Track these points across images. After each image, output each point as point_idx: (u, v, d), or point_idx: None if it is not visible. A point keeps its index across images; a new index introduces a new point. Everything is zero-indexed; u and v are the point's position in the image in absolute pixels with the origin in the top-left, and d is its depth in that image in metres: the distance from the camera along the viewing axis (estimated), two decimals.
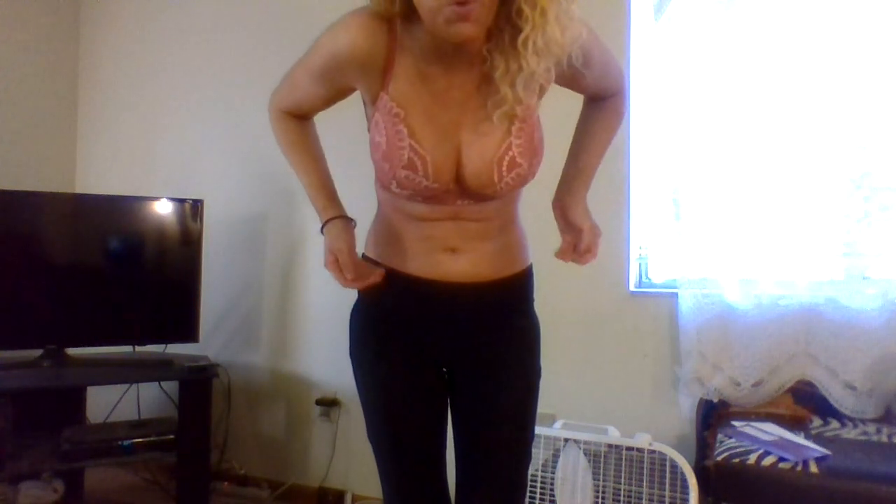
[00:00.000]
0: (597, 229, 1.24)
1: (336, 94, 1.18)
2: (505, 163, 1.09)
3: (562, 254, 1.25)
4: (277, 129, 1.26)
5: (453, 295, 1.17)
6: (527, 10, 0.97)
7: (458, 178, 1.10)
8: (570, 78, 1.15)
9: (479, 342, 1.22)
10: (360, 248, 1.28)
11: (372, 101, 1.11)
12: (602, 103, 1.28)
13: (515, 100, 1.04)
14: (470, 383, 1.24)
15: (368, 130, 1.14)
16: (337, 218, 1.19)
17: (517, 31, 0.99)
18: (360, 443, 2.63)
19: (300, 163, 1.25)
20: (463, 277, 1.16)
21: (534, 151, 1.11)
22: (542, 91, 1.11)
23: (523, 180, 1.13)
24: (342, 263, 1.14)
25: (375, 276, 1.17)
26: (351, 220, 1.21)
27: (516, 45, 1.00)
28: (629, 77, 2.28)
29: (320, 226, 1.20)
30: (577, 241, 1.23)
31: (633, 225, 2.33)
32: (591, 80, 1.20)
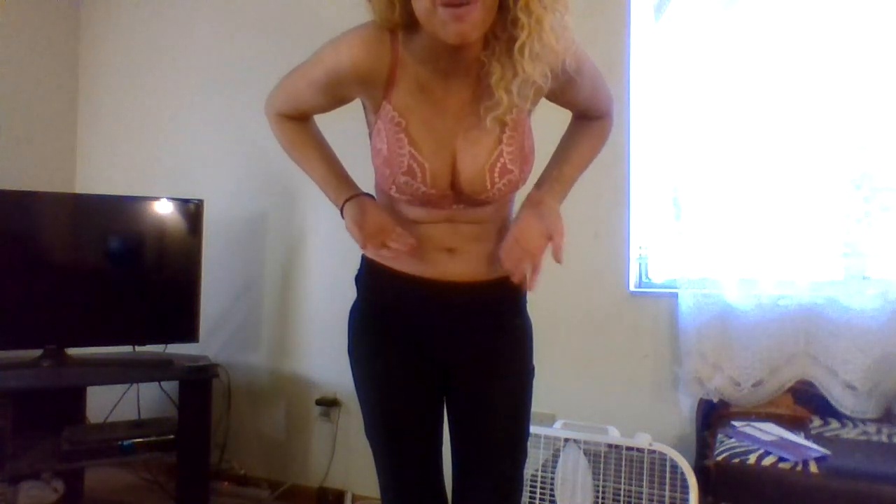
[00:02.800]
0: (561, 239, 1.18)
1: (337, 103, 1.20)
2: (497, 169, 1.12)
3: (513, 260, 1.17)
4: (278, 132, 1.28)
5: (449, 293, 1.20)
6: (523, 18, 1.00)
7: (454, 185, 1.13)
8: (562, 89, 1.17)
9: (474, 340, 1.24)
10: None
11: (374, 110, 1.14)
12: (589, 122, 1.31)
13: (510, 104, 1.07)
14: (465, 380, 1.26)
15: (370, 136, 1.17)
16: (348, 200, 1.21)
17: (513, 39, 1.02)
18: (360, 443, 2.63)
19: (305, 159, 1.27)
20: (459, 277, 1.19)
21: (524, 158, 1.15)
22: (536, 96, 1.13)
23: (515, 186, 1.16)
24: (355, 237, 1.17)
25: (401, 242, 1.16)
26: (365, 194, 1.22)
27: (512, 52, 1.03)
28: (629, 79, 2.29)
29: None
30: (544, 244, 1.18)
31: (633, 225, 2.33)
32: (582, 95, 1.23)
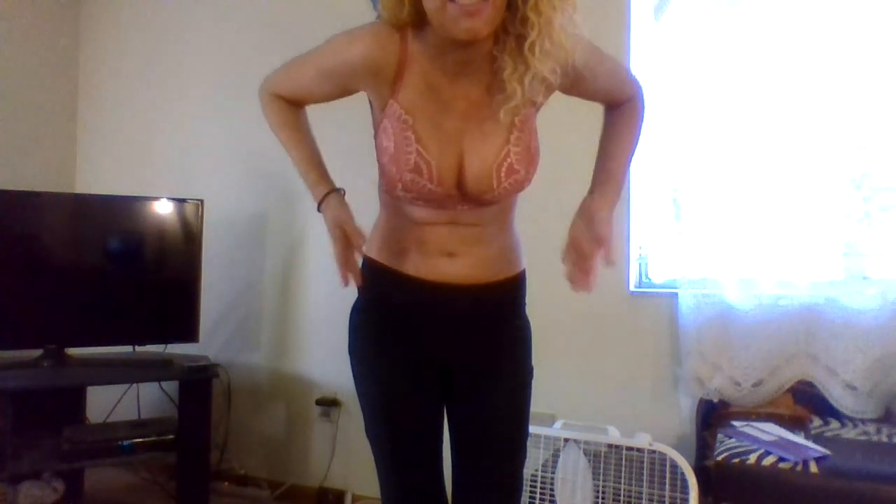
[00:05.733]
0: (610, 244, 1.14)
1: (340, 94, 1.20)
2: (503, 169, 1.12)
3: (573, 265, 1.14)
4: (269, 108, 1.27)
5: (450, 296, 1.20)
6: (532, 17, 1.01)
7: (460, 184, 1.13)
8: (574, 84, 1.16)
9: (474, 341, 1.24)
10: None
11: (381, 108, 1.14)
12: (620, 108, 1.30)
13: (523, 96, 1.07)
14: (465, 381, 1.26)
15: (375, 136, 1.17)
16: (332, 192, 1.19)
17: (523, 36, 1.03)
18: (360, 443, 2.62)
19: (290, 139, 1.25)
20: (460, 279, 1.19)
21: (530, 159, 1.15)
22: (546, 91, 1.13)
23: (520, 186, 1.16)
24: (350, 231, 1.13)
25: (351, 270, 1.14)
26: (343, 191, 1.20)
27: (523, 49, 1.04)
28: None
29: (316, 203, 1.19)
30: (594, 249, 1.13)
31: (633, 225, 2.33)
32: (600, 84, 1.23)
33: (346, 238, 1.13)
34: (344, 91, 1.19)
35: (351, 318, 1.30)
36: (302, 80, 1.22)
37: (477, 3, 0.97)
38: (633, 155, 1.29)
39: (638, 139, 1.30)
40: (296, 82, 1.23)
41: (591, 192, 1.22)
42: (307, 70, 1.20)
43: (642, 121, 1.30)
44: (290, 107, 1.26)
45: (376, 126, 1.17)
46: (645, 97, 1.31)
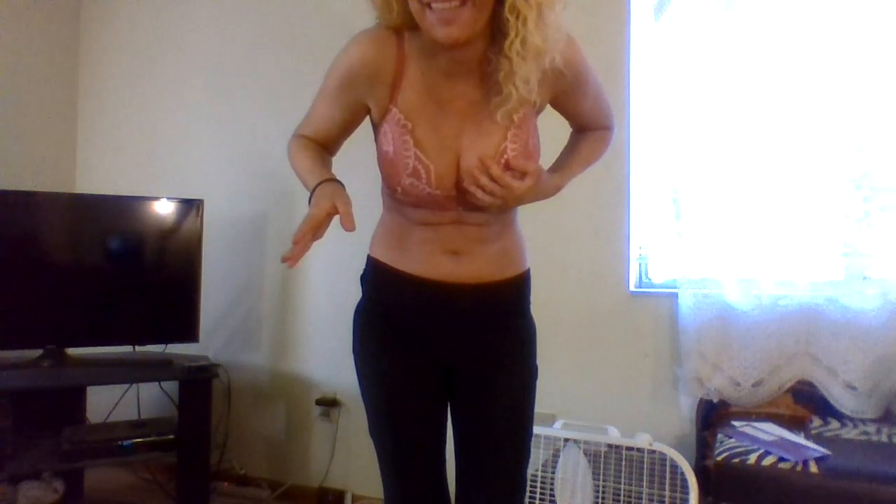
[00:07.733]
0: (525, 181, 1.12)
1: (351, 117, 1.19)
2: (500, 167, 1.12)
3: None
4: (291, 146, 1.22)
5: (454, 295, 1.20)
6: (511, 19, 1.03)
7: (459, 185, 1.14)
8: (565, 94, 1.18)
9: (478, 341, 1.24)
10: (365, 251, 1.29)
11: (381, 113, 1.15)
12: (593, 132, 1.32)
13: (519, 97, 1.08)
14: (469, 381, 1.26)
15: (375, 139, 1.18)
16: (330, 181, 1.10)
17: (506, 37, 1.04)
18: (360, 443, 2.64)
19: (306, 168, 1.17)
20: (464, 279, 1.19)
21: (528, 156, 1.15)
22: (542, 89, 1.13)
23: None
24: (343, 210, 1.02)
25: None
26: (338, 181, 1.11)
27: (505, 49, 1.05)
28: (629, 79, 2.29)
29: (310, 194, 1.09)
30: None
31: (633, 225, 2.33)
32: (586, 104, 1.25)
33: (321, 218, 1.01)
34: (353, 112, 1.18)
35: (354, 318, 1.29)
36: (316, 114, 1.22)
37: (452, 9, 0.98)
38: (586, 168, 1.32)
39: (596, 161, 1.33)
40: (312, 119, 1.23)
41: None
42: (318, 103, 1.21)
43: (607, 148, 1.34)
44: (313, 143, 1.23)
45: (376, 131, 1.18)
46: (615, 131, 1.35)
